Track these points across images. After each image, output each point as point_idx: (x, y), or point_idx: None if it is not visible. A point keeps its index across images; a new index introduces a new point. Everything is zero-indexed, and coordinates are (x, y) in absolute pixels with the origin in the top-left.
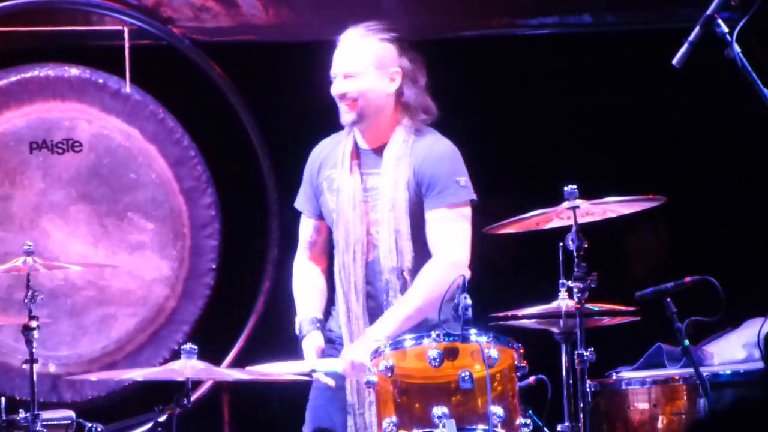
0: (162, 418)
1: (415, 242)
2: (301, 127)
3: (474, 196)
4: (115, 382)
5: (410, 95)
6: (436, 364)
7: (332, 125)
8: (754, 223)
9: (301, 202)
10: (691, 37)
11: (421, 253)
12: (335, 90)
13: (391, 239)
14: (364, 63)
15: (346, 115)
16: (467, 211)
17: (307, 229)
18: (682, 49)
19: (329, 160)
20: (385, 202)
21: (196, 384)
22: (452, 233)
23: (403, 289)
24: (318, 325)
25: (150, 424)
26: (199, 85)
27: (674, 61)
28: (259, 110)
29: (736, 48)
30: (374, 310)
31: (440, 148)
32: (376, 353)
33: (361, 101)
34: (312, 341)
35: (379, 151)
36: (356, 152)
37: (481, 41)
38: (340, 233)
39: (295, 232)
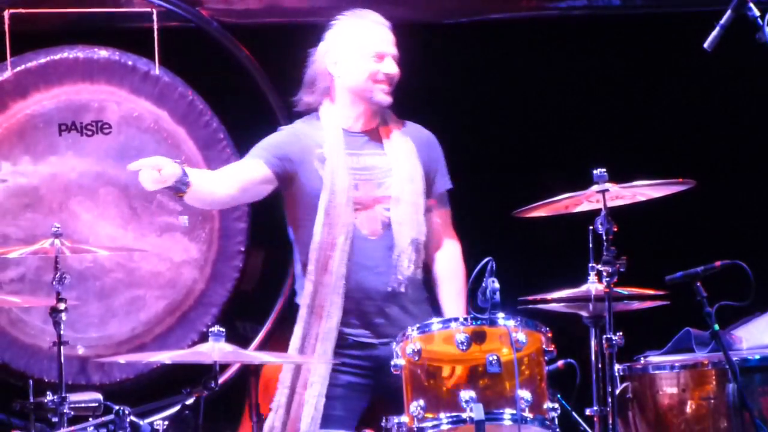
0: (189, 401)
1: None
2: None
3: None
4: (143, 364)
5: None
6: (464, 347)
7: None
8: None
9: (261, 152)
10: (722, 21)
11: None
12: (392, 70)
13: (411, 210)
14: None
15: (384, 96)
16: None
17: (248, 167)
18: (714, 33)
19: (312, 138)
20: (401, 176)
21: (224, 367)
22: (451, 218)
23: (419, 261)
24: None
25: (178, 407)
26: (227, 68)
27: (705, 45)
28: (287, 93)
29: None
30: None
31: (429, 135)
32: (404, 336)
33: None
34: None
35: (369, 133)
36: (342, 134)
37: (509, 23)
38: (332, 215)
39: None
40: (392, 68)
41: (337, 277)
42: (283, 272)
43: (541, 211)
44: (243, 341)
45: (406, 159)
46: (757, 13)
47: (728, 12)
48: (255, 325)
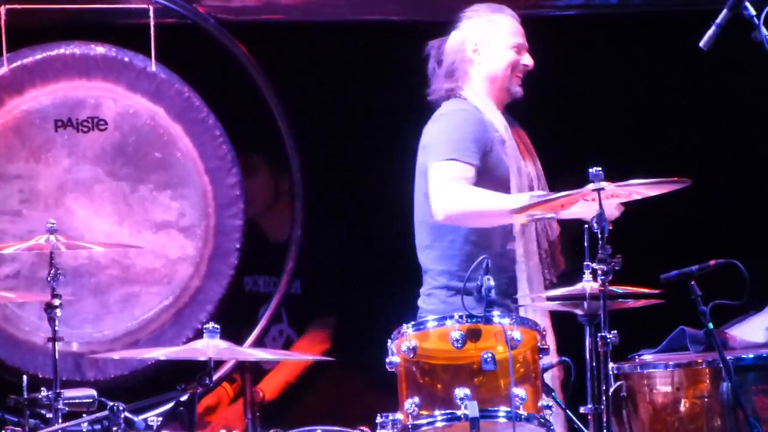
0: (184, 397)
1: None
2: (326, 107)
3: None
4: (137, 361)
5: None
6: (459, 345)
7: (357, 104)
8: None
9: (470, 154)
10: (718, 20)
11: None
12: (531, 62)
13: None
14: None
15: (518, 88)
16: None
17: (467, 172)
18: (710, 32)
19: (488, 121)
20: (540, 169)
21: (219, 363)
22: None
23: None
24: None
25: (172, 403)
26: (224, 64)
27: (701, 44)
28: (284, 90)
29: (764, 31)
30: None
31: None
32: (399, 334)
33: None
34: None
35: None
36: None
37: None
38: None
39: (318, 212)
40: (531, 61)
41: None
42: (278, 269)
43: (537, 209)
44: (249, 297)
45: (535, 154)
46: (753, 12)
47: (724, 11)
48: (268, 277)
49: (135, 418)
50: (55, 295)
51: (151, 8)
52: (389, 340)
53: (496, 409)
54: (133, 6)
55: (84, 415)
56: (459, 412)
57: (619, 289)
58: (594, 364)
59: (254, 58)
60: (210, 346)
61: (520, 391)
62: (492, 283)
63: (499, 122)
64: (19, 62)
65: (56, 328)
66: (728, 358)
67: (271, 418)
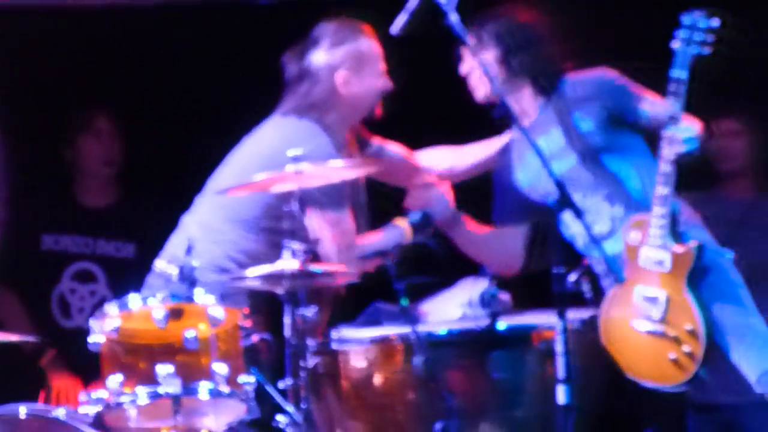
0: None
1: None
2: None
3: None
4: None
5: None
6: (162, 324)
7: (59, 96)
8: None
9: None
10: (410, 5)
11: None
12: (390, 84)
13: None
14: None
15: (378, 110)
16: None
17: None
18: (401, 18)
19: None
20: None
21: None
22: None
23: None
24: None
25: None
26: None
27: (393, 30)
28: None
29: (453, 17)
30: None
31: None
32: (102, 314)
33: None
34: None
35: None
36: None
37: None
38: None
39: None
40: (390, 83)
41: None
42: None
43: (242, 190)
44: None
45: None
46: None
47: None
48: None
49: None
50: None
51: None
52: (92, 319)
53: (197, 385)
54: None
55: None
56: (161, 389)
57: (318, 269)
58: (294, 341)
59: None
60: None
61: (221, 368)
62: (196, 264)
63: None
64: None
65: None
66: (421, 333)
67: None
